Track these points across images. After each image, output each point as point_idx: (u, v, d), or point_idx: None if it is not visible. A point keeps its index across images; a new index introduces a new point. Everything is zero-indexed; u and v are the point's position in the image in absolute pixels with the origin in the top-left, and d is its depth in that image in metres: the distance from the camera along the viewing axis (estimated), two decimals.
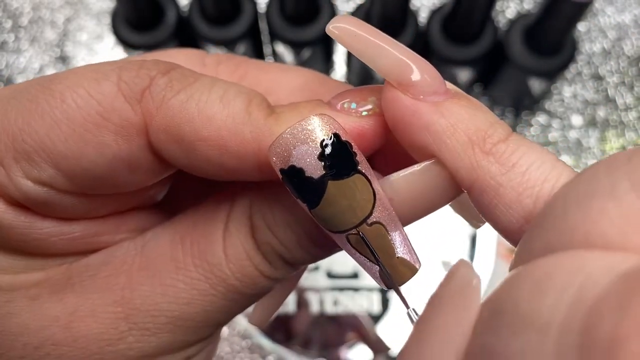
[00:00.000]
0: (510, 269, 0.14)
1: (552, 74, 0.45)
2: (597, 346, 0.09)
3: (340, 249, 0.17)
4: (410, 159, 0.17)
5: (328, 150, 0.15)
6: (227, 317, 0.19)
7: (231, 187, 0.19)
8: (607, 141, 0.52)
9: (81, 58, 0.55)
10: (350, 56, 0.50)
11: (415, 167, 0.16)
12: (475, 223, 0.19)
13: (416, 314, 0.16)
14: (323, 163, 0.15)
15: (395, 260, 0.16)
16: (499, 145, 0.15)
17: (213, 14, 0.44)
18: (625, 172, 0.12)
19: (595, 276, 0.10)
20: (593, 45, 0.54)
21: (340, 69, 0.54)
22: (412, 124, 0.15)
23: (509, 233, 0.15)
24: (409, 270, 0.16)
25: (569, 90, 0.53)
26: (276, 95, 0.20)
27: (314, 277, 0.46)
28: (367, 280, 0.46)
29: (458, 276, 0.13)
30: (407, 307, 0.16)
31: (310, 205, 0.15)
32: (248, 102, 0.16)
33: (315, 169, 0.15)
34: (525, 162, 0.15)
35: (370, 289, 0.46)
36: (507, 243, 0.46)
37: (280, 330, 0.45)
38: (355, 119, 0.16)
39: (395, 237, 0.16)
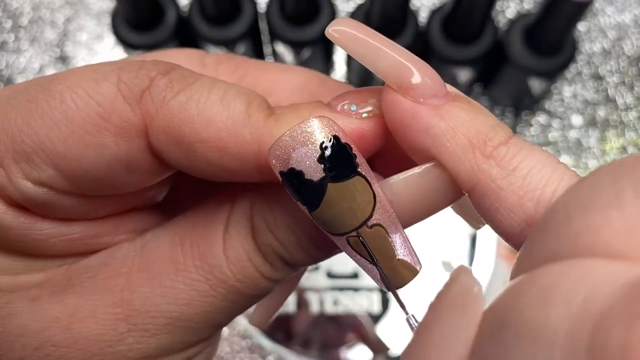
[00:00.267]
0: (512, 276, 0.14)
1: (552, 74, 0.45)
2: (606, 357, 0.09)
3: (341, 251, 0.17)
4: (410, 161, 0.17)
5: (327, 152, 0.15)
6: (227, 318, 0.19)
7: (231, 188, 0.19)
8: (607, 141, 0.52)
9: (81, 58, 0.55)
10: (350, 56, 0.50)
11: (415, 170, 0.16)
12: (476, 224, 0.19)
13: (415, 320, 0.16)
14: (323, 165, 0.15)
15: (396, 262, 0.16)
16: (500, 148, 0.15)
17: (213, 14, 0.44)
18: (629, 180, 0.11)
19: (600, 286, 0.10)
20: (593, 45, 0.54)
21: (340, 69, 0.54)
22: (412, 127, 0.15)
23: (510, 236, 0.15)
24: (410, 272, 0.16)
25: (569, 90, 0.53)
26: (276, 95, 0.20)
27: (314, 277, 0.46)
28: (367, 280, 0.46)
29: (458, 283, 0.13)
30: (406, 313, 0.16)
31: (310, 208, 0.15)
32: (248, 104, 0.16)
33: (314, 171, 0.15)
34: (527, 166, 0.14)
35: (370, 289, 0.46)
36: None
37: (280, 330, 0.45)
38: (355, 121, 0.16)
39: (396, 239, 0.16)
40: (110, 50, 0.55)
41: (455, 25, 0.44)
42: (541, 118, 0.52)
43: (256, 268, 0.18)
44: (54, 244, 0.17)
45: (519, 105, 0.52)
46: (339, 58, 0.54)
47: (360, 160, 0.15)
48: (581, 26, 0.55)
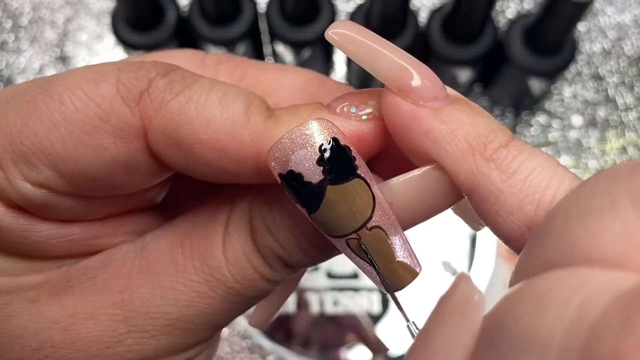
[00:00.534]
0: (512, 281, 0.14)
1: (552, 74, 0.45)
2: None
3: (340, 252, 0.17)
4: (410, 163, 0.16)
5: (327, 154, 0.15)
6: (226, 320, 0.19)
7: (231, 189, 0.19)
8: (607, 141, 0.52)
9: (81, 58, 0.55)
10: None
11: (415, 172, 0.16)
12: (476, 226, 0.19)
13: (416, 327, 0.16)
14: (322, 168, 0.15)
15: (396, 264, 0.16)
16: (500, 151, 0.15)
17: (213, 14, 0.44)
18: (625, 188, 0.11)
19: (595, 295, 0.10)
20: (593, 45, 0.54)
21: (340, 69, 0.54)
22: (412, 129, 0.15)
23: (510, 240, 0.15)
24: (410, 274, 0.16)
25: (569, 90, 0.53)
26: (275, 96, 0.20)
27: (314, 278, 0.46)
28: (367, 280, 0.46)
29: (459, 291, 0.13)
30: (407, 320, 0.16)
31: (310, 210, 0.15)
32: (247, 105, 0.16)
33: (314, 173, 0.15)
34: (527, 169, 0.14)
35: (370, 289, 0.46)
36: None
37: (280, 330, 0.45)
38: (354, 123, 0.16)
39: (395, 241, 0.16)
40: (110, 50, 0.55)
41: (455, 26, 0.44)
42: (541, 118, 0.52)
43: (255, 269, 0.18)
44: (54, 245, 0.17)
45: (519, 106, 0.52)
46: (339, 58, 0.54)
47: (359, 162, 0.15)
48: (581, 26, 0.55)
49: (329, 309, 0.45)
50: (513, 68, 0.45)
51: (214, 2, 0.43)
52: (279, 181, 0.15)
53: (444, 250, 0.46)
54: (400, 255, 0.16)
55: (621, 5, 0.56)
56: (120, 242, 0.19)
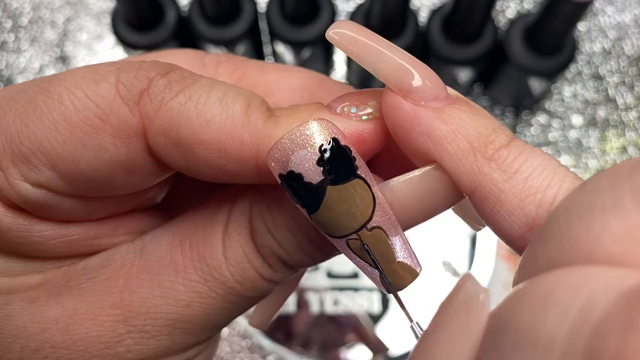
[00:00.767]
0: (515, 281, 0.14)
1: (552, 74, 0.45)
2: None
3: (340, 253, 0.17)
4: (410, 163, 0.16)
5: (327, 155, 0.15)
6: (226, 320, 0.19)
7: (231, 189, 0.19)
8: (607, 141, 0.52)
9: (81, 58, 0.55)
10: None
11: (416, 172, 0.16)
12: (476, 226, 0.19)
13: (420, 327, 0.16)
14: (322, 168, 0.15)
15: (396, 265, 0.16)
16: (501, 151, 0.15)
17: (213, 14, 0.44)
18: (629, 186, 0.11)
19: (598, 294, 0.10)
20: (593, 45, 0.54)
21: (340, 69, 0.54)
22: (413, 130, 0.15)
23: (512, 239, 0.15)
24: (410, 274, 0.16)
25: (569, 90, 0.53)
26: (275, 96, 0.20)
27: (314, 277, 0.46)
28: (367, 280, 0.46)
29: (464, 290, 0.13)
30: (411, 320, 0.16)
31: (310, 211, 0.15)
32: (247, 105, 0.16)
33: (314, 174, 0.15)
34: (528, 169, 0.14)
35: (370, 289, 0.46)
36: None
37: (281, 330, 0.45)
38: (354, 124, 0.16)
39: (396, 242, 0.16)
40: (110, 50, 0.55)
41: (455, 25, 0.44)
42: (541, 118, 0.52)
43: (255, 269, 0.18)
44: (53, 245, 0.17)
45: (519, 105, 0.52)
46: (339, 58, 0.54)
47: (359, 162, 0.15)
48: (581, 26, 0.55)
49: (329, 308, 0.45)
50: (513, 68, 0.45)
51: (214, 2, 0.43)
52: (279, 182, 0.15)
53: (444, 250, 0.46)
54: (401, 255, 0.16)
55: (621, 5, 0.55)
56: (120, 242, 0.19)
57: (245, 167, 0.16)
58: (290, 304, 0.45)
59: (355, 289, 0.46)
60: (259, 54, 0.51)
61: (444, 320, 0.13)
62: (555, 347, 0.10)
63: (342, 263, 0.46)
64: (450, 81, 0.49)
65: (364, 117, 0.16)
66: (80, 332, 0.17)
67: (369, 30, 0.16)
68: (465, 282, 0.13)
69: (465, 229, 0.46)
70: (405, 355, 0.45)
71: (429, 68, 0.16)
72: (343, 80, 0.54)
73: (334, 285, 0.46)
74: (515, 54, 0.44)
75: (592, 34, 0.55)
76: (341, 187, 0.15)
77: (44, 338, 0.17)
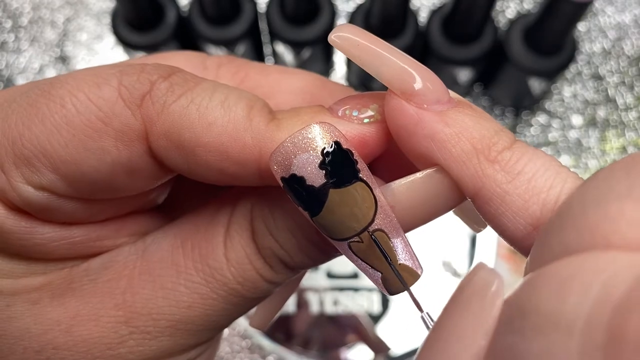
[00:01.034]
0: (527, 270, 0.14)
1: (552, 74, 0.45)
2: (625, 344, 0.09)
3: (341, 254, 0.17)
4: (411, 166, 0.17)
5: (329, 158, 0.15)
6: (227, 321, 0.19)
7: (232, 191, 0.19)
8: (607, 141, 0.52)
9: (81, 58, 0.55)
10: None
11: (417, 175, 0.16)
12: (476, 227, 0.19)
13: (431, 318, 0.16)
14: (324, 171, 0.15)
15: (397, 267, 0.16)
16: (504, 153, 0.15)
17: (213, 14, 0.44)
18: None
19: (618, 276, 0.10)
20: (593, 45, 0.54)
21: (340, 69, 0.54)
22: (416, 133, 0.15)
23: (516, 240, 0.15)
24: (411, 276, 0.16)
25: (569, 90, 0.53)
26: (277, 98, 0.20)
27: (313, 278, 0.46)
28: (367, 280, 0.46)
29: (476, 279, 0.13)
30: (421, 310, 0.16)
31: (312, 214, 0.15)
32: (249, 108, 0.16)
33: (316, 177, 0.15)
34: (531, 170, 0.15)
35: (370, 289, 0.46)
36: (507, 243, 0.45)
37: (281, 330, 0.45)
38: (356, 127, 0.16)
39: (397, 244, 0.16)
40: (110, 50, 0.55)
41: (455, 26, 0.44)
42: (541, 118, 0.52)
43: (257, 271, 0.18)
44: (55, 247, 0.17)
45: (519, 105, 0.52)
46: (339, 59, 0.54)
47: (361, 165, 0.15)
48: (581, 26, 0.55)
49: (329, 308, 0.45)
50: (513, 68, 0.45)
51: (214, 2, 0.43)
52: (281, 185, 0.15)
53: (444, 250, 0.46)
54: (402, 257, 0.16)
55: (621, 5, 0.56)
56: (122, 243, 0.19)
57: (247, 169, 0.16)
58: (290, 304, 0.45)
59: (355, 289, 0.46)
60: (259, 54, 0.51)
61: (457, 307, 0.13)
62: (576, 327, 0.10)
63: (342, 263, 0.46)
64: (450, 81, 0.49)
65: (366, 120, 0.16)
66: (83, 333, 0.17)
67: (371, 34, 0.16)
68: (480, 270, 0.13)
69: (465, 229, 0.46)
70: (407, 354, 0.45)
71: (432, 72, 0.16)
72: (343, 81, 0.54)
73: (334, 286, 0.46)
74: (515, 54, 0.44)
75: (592, 34, 0.55)
76: (343, 190, 0.15)
77: (47, 339, 0.17)
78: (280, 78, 0.21)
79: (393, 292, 0.17)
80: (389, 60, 0.16)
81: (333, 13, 0.46)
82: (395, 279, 0.16)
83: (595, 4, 0.55)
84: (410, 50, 0.44)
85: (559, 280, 0.11)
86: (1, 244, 0.17)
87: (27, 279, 0.18)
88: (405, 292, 0.17)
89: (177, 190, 0.21)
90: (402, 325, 0.45)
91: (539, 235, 0.14)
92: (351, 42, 0.16)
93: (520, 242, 0.15)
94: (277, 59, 0.50)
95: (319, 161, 0.15)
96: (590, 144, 0.51)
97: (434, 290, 0.45)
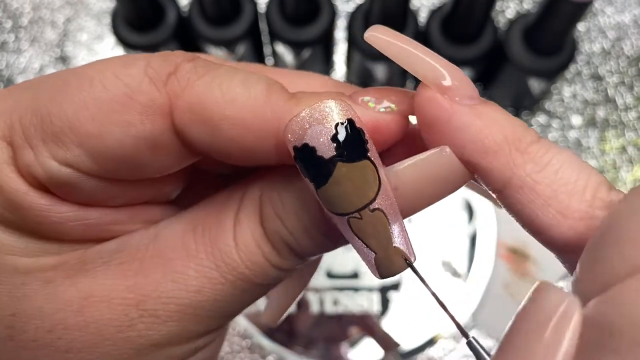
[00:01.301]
0: (581, 281, 0.14)
1: (552, 74, 0.45)
2: None
3: (347, 243, 0.17)
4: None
5: (342, 133, 0.15)
6: (235, 309, 0.19)
7: (243, 180, 0.19)
8: (607, 141, 0.52)
9: (81, 58, 0.55)
10: (350, 57, 0.50)
11: (421, 156, 0.16)
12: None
13: (478, 343, 0.16)
14: (335, 144, 0.15)
15: (392, 249, 0.16)
16: (533, 145, 0.16)
17: (213, 14, 0.45)
18: None
19: None
20: (593, 45, 0.54)
21: (340, 69, 0.54)
22: (450, 123, 0.16)
23: (543, 230, 0.16)
24: (401, 265, 0.17)
25: (569, 90, 0.53)
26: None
27: (314, 277, 0.46)
28: (367, 280, 0.46)
29: (547, 305, 0.13)
30: (467, 337, 0.16)
31: (317, 185, 0.16)
32: (269, 87, 0.17)
33: (327, 149, 0.15)
34: (558, 162, 0.16)
35: (370, 289, 0.46)
36: (507, 243, 0.46)
37: (281, 330, 0.45)
38: (372, 113, 0.17)
39: (394, 227, 0.16)
40: (110, 50, 0.55)
41: (454, 26, 0.44)
42: (541, 118, 0.52)
43: (264, 255, 0.18)
44: (71, 227, 0.18)
45: (518, 106, 0.52)
46: (339, 58, 0.54)
47: (370, 147, 0.16)
48: (581, 26, 0.55)
49: (329, 308, 0.45)
50: (513, 68, 0.45)
51: (214, 2, 0.43)
52: (293, 155, 0.16)
53: (444, 250, 0.46)
54: (398, 241, 0.16)
55: (621, 5, 0.56)
56: (136, 229, 0.19)
57: (266, 144, 0.16)
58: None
59: (355, 289, 0.46)
60: (259, 55, 0.51)
61: (527, 342, 0.13)
62: None
63: (342, 263, 0.46)
64: None
65: (382, 109, 0.17)
66: (94, 314, 0.17)
67: (403, 35, 0.17)
68: (548, 295, 0.13)
69: (465, 229, 0.46)
70: (407, 354, 0.45)
71: (462, 71, 0.17)
72: (343, 81, 0.54)
73: (334, 285, 0.46)
74: (514, 54, 0.45)
75: (591, 34, 0.55)
76: (350, 165, 0.15)
77: (58, 319, 0.17)
78: (294, 78, 0.21)
79: (383, 275, 0.17)
80: (423, 58, 0.17)
81: (333, 13, 0.46)
82: (388, 261, 0.16)
83: (595, 4, 0.55)
84: None
85: None
86: (19, 220, 0.17)
87: (41, 258, 0.18)
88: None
89: (191, 188, 0.21)
90: (402, 325, 0.45)
91: (591, 248, 0.14)
92: (389, 41, 0.17)
93: (548, 231, 0.16)
94: (277, 59, 0.50)
95: (332, 134, 0.15)
96: (589, 144, 0.52)
97: (434, 290, 0.46)
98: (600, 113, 0.52)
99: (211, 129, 0.16)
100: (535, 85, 0.47)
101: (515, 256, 0.47)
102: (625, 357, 0.11)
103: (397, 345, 0.45)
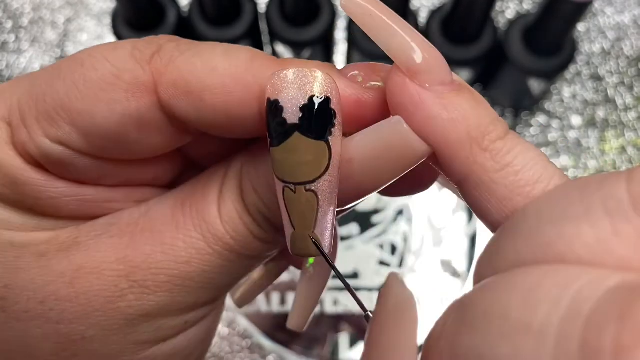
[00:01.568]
0: (478, 272, 0.15)
1: (552, 75, 0.45)
2: (601, 353, 0.10)
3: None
4: None
5: (312, 107, 0.15)
6: (223, 280, 0.19)
7: (230, 157, 0.20)
8: (607, 141, 0.52)
9: None
10: (350, 57, 0.50)
11: (374, 126, 0.16)
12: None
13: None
14: (301, 114, 0.15)
15: (309, 233, 0.16)
16: (497, 142, 0.15)
17: (213, 14, 0.45)
18: (599, 197, 0.12)
19: (585, 290, 0.11)
20: (593, 46, 0.54)
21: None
22: (415, 114, 0.16)
23: (496, 227, 0.16)
24: (314, 249, 0.17)
25: (569, 91, 0.53)
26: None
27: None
28: (367, 280, 0.46)
29: (393, 296, 0.14)
30: (365, 310, 0.17)
31: (272, 143, 0.16)
32: (252, 55, 0.17)
33: (292, 115, 0.15)
34: (520, 162, 0.15)
35: (370, 289, 0.46)
36: None
37: (281, 330, 0.45)
38: (357, 87, 0.17)
39: (322, 215, 0.16)
40: None
41: (454, 26, 0.44)
42: (541, 118, 0.52)
43: (247, 227, 0.18)
44: (67, 203, 0.18)
45: (518, 106, 0.52)
46: (339, 59, 0.54)
47: (336, 131, 0.16)
48: (581, 27, 0.55)
49: (329, 308, 0.45)
50: (513, 68, 0.46)
51: (214, 2, 0.43)
52: (265, 104, 0.16)
53: (444, 250, 0.46)
54: (318, 229, 0.16)
55: (620, 5, 0.56)
56: (129, 207, 0.20)
57: (250, 111, 0.17)
58: (290, 304, 0.45)
59: (355, 289, 0.46)
60: None
61: (381, 330, 0.14)
62: (549, 335, 0.11)
63: (341, 263, 0.46)
64: None
65: (369, 84, 0.17)
66: (84, 285, 0.18)
67: (383, 4, 0.16)
68: (393, 287, 0.14)
69: (465, 229, 0.46)
70: None
71: (438, 51, 0.16)
72: None
73: (334, 285, 0.46)
74: (514, 55, 0.45)
75: (591, 35, 0.55)
76: (306, 140, 0.15)
77: (50, 291, 0.17)
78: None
79: (294, 252, 0.17)
80: (399, 35, 0.16)
81: (333, 13, 0.46)
82: (302, 241, 0.17)
83: (595, 4, 0.55)
84: None
85: (526, 289, 0.12)
86: (17, 196, 0.18)
87: (37, 233, 0.18)
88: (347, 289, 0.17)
89: (185, 179, 0.21)
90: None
91: (493, 240, 0.15)
92: (364, 11, 0.16)
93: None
94: None
95: (303, 104, 0.15)
96: (589, 144, 0.52)
97: (433, 289, 0.46)
98: (600, 113, 0.52)
99: (194, 100, 0.16)
100: (535, 85, 0.47)
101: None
102: (492, 343, 0.12)
103: None
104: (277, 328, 0.45)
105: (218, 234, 0.18)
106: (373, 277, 0.46)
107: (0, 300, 0.17)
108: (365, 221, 0.47)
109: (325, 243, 0.17)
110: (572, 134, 0.52)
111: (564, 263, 0.12)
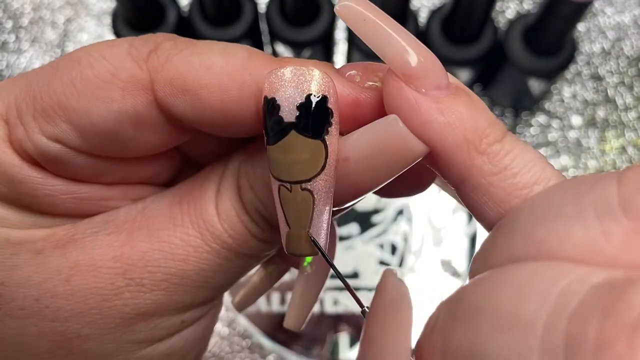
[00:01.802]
0: (473, 267, 0.15)
1: (552, 74, 0.45)
2: (584, 346, 0.10)
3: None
4: None
5: (309, 105, 0.15)
6: (221, 279, 0.19)
7: (228, 155, 0.20)
8: (607, 141, 0.52)
9: None
10: (350, 57, 0.50)
11: (370, 124, 0.16)
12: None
13: None
14: (298, 113, 0.15)
15: (304, 232, 0.16)
16: (494, 145, 0.15)
17: (213, 14, 0.45)
18: (591, 199, 0.13)
19: (572, 286, 0.11)
20: (593, 46, 0.54)
21: None
22: (411, 119, 0.15)
23: (492, 228, 0.16)
24: (309, 248, 0.17)
25: (569, 91, 0.53)
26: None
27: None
28: (367, 280, 0.46)
29: (389, 290, 0.14)
30: (362, 306, 0.17)
31: (268, 141, 0.16)
32: (249, 54, 0.17)
33: (289, 113, 0.15)
34: (518, 165, 0.15)
35: (370, 289, 0.46)
36: None
37: (281, 330, 0.45)
38: (354, 87, 0.17)
39: (318, 214, 0.16)
40: None
41: (454, 26, 0.44)
42: (541, 118, 0.52)
43: (244, 225, 0.18)
44: (63, 200, 0.18)
45: (518, 106, 0.52)
46: (339, 59, 0.54)
47: (333, 130, 0.16)
48: (581, 26, 0.55)
49: (329, 308, 0.45)
50: (513, 68, 0.46)
51: (214, 2, 0.43)
52: (262, 102, 0.16)
53: (444, 250, 0.46)
54: (314, 229, 0.16)
55: (621, 5, 0.56)
56: (126, 205, 0.20)
57: (247, 110, 0.16)
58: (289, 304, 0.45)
59: (355, 289, 0.46)
60: None
61: (377, 326, 0.14)
62: (537, 328, 0.11)
63: (341, 263, 0.46)
64: None
65: (367, 84, 0.17)
66: (80, 283, 0.17)
67: (377, 9, 0.16)
68: (388, 283, 0.14)
69: (465, 229, 0.46)
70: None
71: (434, 55, 0.16)
72: None
73: (334, 285, 0.46)
74: (514, 55, 0.45)
75: (591, 35, 0.55)
76: (302, 138, 0.15)
77: (46, 288, 0.17)
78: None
79: (289, 251, 0.17)
80: (394, 39, 0.16)
81: (333, 13, 0.46)
82: (296, 240, 0.16)
83: (595, 4, 0.55)
84: None
85: (517, 284, 0.12)
86: (13, 193, 0.18)
87: (34, 230, 0.18)
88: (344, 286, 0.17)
89: (183, 178, 0.21)
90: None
91: (489, 237, 0.15)
92: (358, 16, 0.16)
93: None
94: None
95: (300, 102, 0.15)
96: (589, 144, 0.52)
97: (433, 289, 0.46)
98: (600, 113, 0.52)
99: (191, 98, 0.16)
100: (535, 85, 0.47)
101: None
102: (484, 336, 0.12)
103: None
104: (277, 328, 0.45)
105: (216, 232, 0.18)
106: (373, 277, 0.46)
107: None
108: (365, 221, 0.47)
109: (321, 242, 0.17)
110: (572, 134, 0.52)
111: (555, 260, 0.13)
